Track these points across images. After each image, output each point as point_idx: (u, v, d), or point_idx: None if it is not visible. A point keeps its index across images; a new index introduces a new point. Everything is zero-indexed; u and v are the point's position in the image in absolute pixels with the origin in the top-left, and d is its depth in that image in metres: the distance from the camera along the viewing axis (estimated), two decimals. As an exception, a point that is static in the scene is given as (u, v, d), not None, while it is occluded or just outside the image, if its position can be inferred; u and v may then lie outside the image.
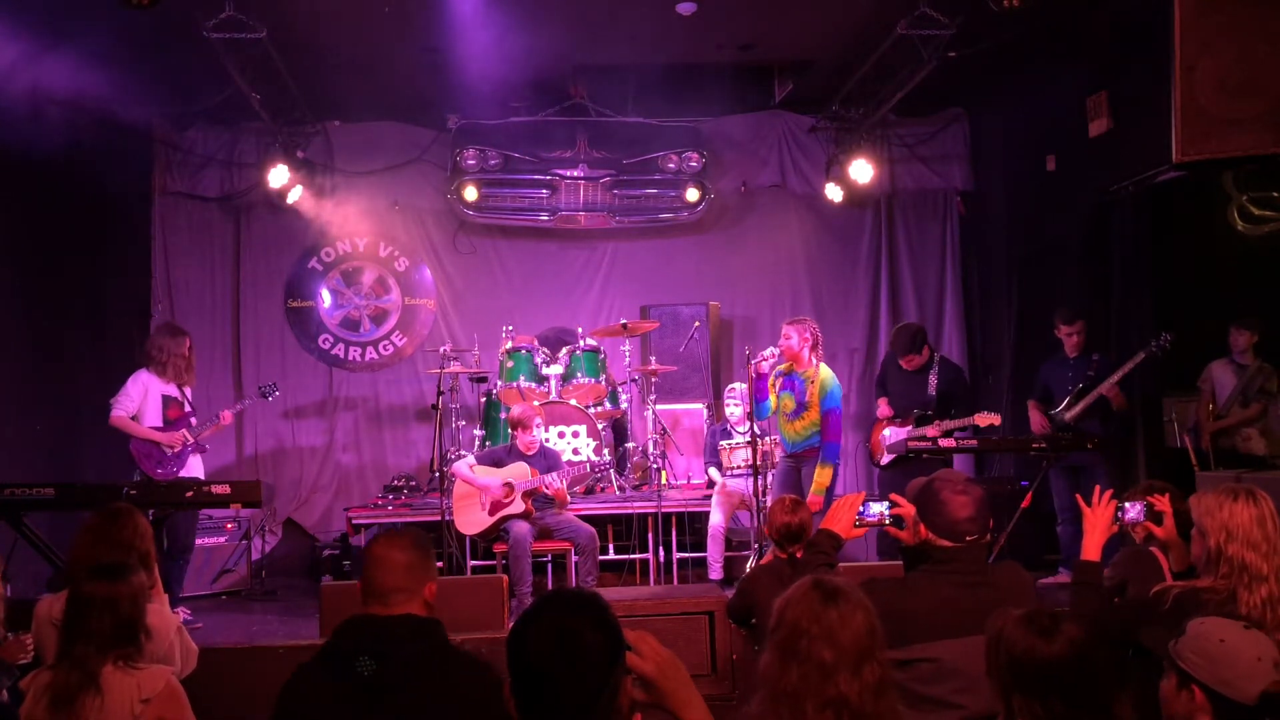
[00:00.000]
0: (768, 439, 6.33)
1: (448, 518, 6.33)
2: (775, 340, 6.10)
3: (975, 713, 2.58)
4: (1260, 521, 2.77)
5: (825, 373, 5.98)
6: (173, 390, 6.32)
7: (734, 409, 6.91)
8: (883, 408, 6.89)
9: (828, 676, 1.93)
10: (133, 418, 6.19)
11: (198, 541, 6.59)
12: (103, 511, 3.32)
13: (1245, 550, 2.73)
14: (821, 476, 5.79)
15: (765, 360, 5.86)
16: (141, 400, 6.21)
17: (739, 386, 6.90)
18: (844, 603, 1.99)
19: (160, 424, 6.24)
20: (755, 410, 5.98)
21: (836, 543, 3.03)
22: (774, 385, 6.00)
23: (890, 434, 6.67)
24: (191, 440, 6.28)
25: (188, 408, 6.37)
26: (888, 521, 3.00)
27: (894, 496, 3.03)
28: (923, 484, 2.93)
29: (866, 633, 1.97)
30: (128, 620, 2.72)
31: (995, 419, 6.42)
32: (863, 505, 3.03)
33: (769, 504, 5.82)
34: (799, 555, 3.90)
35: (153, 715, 2.64)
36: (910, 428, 6.59)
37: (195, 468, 6.35)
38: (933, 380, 6.65)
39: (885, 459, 6.65)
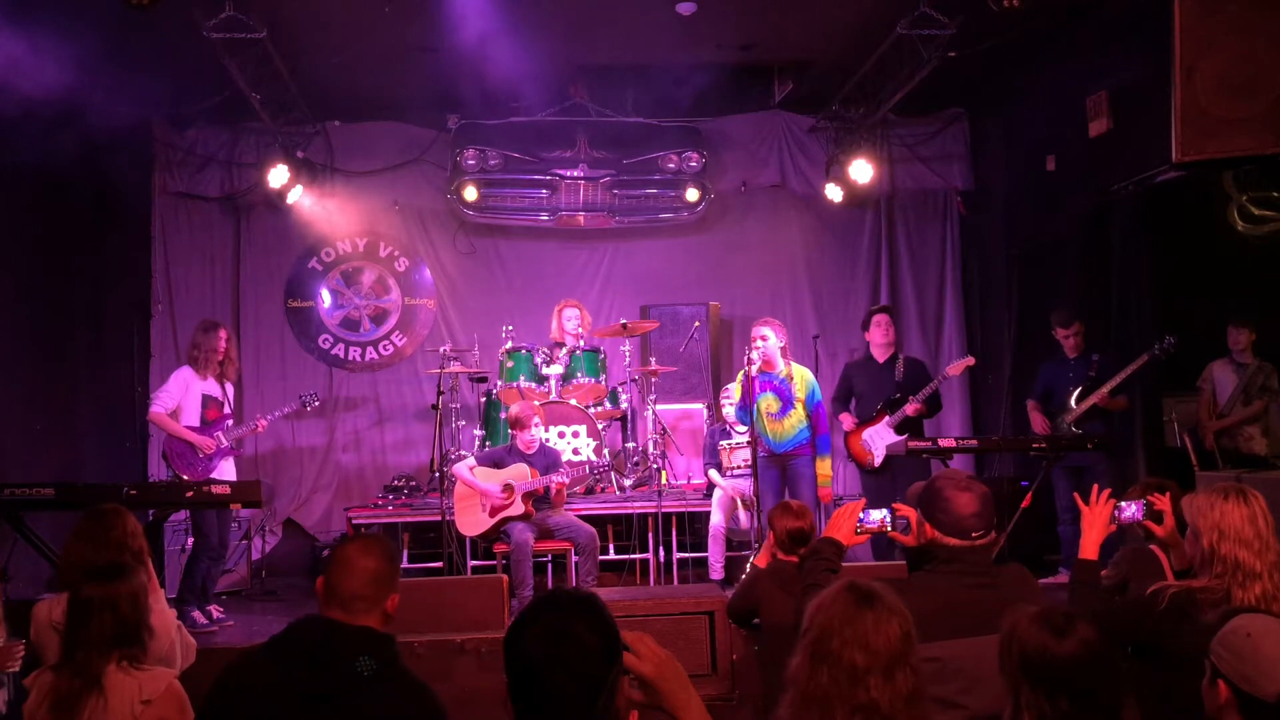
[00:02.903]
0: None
1: (448, 518, 6.33)
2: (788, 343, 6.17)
3: (979, 713, 2.58)
4: (1251, 520, 2.77)
5: (802, 369, 6.11)
6: (213, 389, 6.25)
7: (730, 410, 6.92)
8: (847, 420, 6.77)
9: (858, 680, 1.92)
10: (171, 415, 6.10)
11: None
12: (90, 513, 3.30)
13: (1238, 549, 2.73)
14: (825, 467, 6.01)
15: (755, 365, 5.89)
16: (181, 397, 6.13)
17: (733, 387, 6.92)
18: (879, 607, 1.99)
19: (198, 424, 6.15)
20: (743, 418, 6.02)
21: (839, 550, 3.05)
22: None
23: (870, 435, 6.61)
24: (225, 444, 6.20)
25: (227, 408, 6.31)
26: (889, 528, 3.01)
27: (896, 505, 3.04)
28: (926, 483, 2.94)
29: (901, 639, 1.96)
30: (129, 621, 2.71)
31: (969, 360, 6.51)
32: (863, 512, 3.05)
33: (760, 506, 5.88)
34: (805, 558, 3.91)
35: (153, 716, 2.64)
36: (886, 418, 6.54)
37: (227, 470, 6.26)
38: (899, 369, 6.66)
39: (878, 460, 6.58)
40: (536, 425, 6.30)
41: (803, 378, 6.03)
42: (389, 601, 2.36)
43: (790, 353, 6.20)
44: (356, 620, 2.28)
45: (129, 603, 2.73)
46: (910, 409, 6.41)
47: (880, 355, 6.78)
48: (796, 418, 5.98)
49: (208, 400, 6.22)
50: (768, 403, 5.97)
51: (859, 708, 1.91)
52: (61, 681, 2.61)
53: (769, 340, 5.96)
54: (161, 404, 6.12)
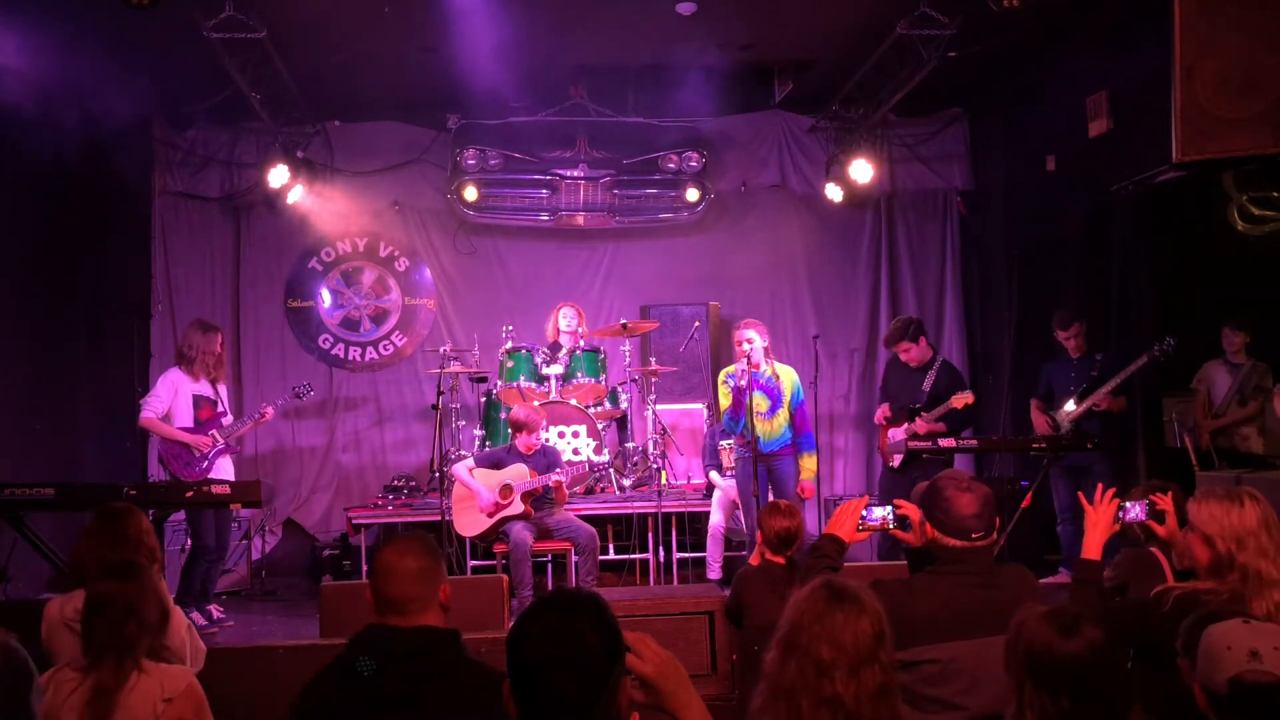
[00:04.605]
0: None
1: (447, 518, 6.33)
2: (770, 342, 6.17)
3: (978, 713, 2.58)
4: (1267, 526, 2.76)
5: (787, 369, 6.22)
6: (205, 389, 6.23)
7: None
8: (879, 413, 6.84)
9: (824, 674, 1.93)
10: (163, 418, 6.09)
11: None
12: (103, 512, 3.29)
13: (1258, 559, 2.72)
14: (811, 463, 6.15)
15: (745, 374, 5.92)
16: (171, 400, 6.10)
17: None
18: (851, 605, 2.00)
19: (191, 424, 6.12)
20: (732, 427, 6.05)
21: (840, 547, 3.06)
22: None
23: (893, 435, 6.66)
24: (220, 442, 6.18)
25: (221, 407, 6.29)
26: (891, 525, 3.02)
27: (898, 501, 3.05)
28: (928, 483, 2.94)
29: (872, 637, 1.97)
30: (150, 619, 2.71)
31: (968, 397, 6.41)
32: (865, 510, 3.06)
33: (742, 504, 5.93)
34: (794, 558, 3.93)
35: (174, 715, 2.63)
36: (906, 424, 6.58)
37: (225, 469, 6.24)
38: (930, 378, 6.63)
39: (895, 461, 6.58)
40: (544, 428, 6.30)
41: (788, 377, 6.15)
42: (441, 593, 2.36)
43: (790, 353, 6.24)
44: (414, 621, 2.29)
45: (151, 600, 2.73)
46: (920, 426, 6.39)
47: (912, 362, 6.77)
48: (784, 417, 6.11)
49: (200, 400, 6.20)
50: (757, 401, 6.02)
51: (824, 701, 1.92)
52: (89, 680, 2.60)
53: (755, 343, 6.03)
54: (151, 409, 6.08)
